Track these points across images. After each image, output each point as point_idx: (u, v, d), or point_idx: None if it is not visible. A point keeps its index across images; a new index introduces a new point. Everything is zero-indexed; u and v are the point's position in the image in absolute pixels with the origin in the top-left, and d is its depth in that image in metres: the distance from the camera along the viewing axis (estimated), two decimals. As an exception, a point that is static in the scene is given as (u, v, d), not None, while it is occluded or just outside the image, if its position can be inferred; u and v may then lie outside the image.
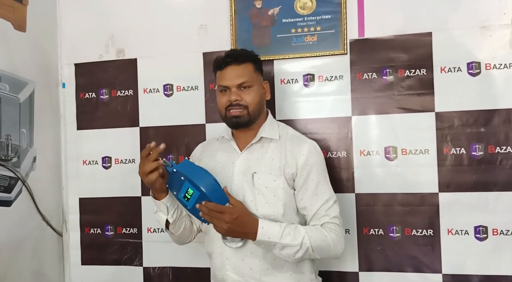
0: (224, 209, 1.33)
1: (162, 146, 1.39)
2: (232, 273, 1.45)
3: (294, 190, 1.47)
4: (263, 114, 1.56)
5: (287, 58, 1.91)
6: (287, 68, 1.92)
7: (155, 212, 1.51)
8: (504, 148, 1.74)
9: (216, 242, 1.49)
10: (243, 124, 1.49)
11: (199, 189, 1.33)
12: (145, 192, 2.02)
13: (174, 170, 1.37)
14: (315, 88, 1.90)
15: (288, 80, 1.92)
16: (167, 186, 1.47)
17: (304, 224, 1.48)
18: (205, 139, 1.97)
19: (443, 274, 1.77)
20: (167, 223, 1.50)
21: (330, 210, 1.45)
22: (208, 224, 1.41)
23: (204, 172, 1.37)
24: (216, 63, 1.54)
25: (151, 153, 1.40)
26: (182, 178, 1.36)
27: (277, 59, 1.91)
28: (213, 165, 1.54)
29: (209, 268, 1.97)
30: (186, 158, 1.43)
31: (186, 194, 1.37)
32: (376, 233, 1.83)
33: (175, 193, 1.41)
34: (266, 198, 1.44)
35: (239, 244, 1.43)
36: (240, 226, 1.34)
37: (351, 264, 1.85)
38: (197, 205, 1.34)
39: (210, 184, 1.35)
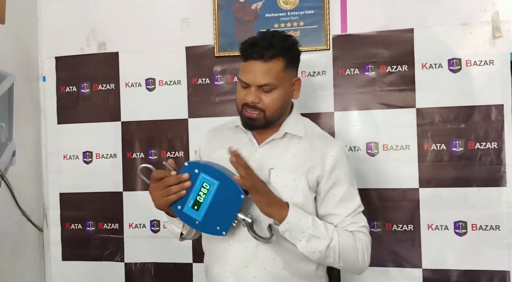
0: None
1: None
2: (233, 281, 1.26)
3: (316, 194, 1.31)
4: (287, 111, 1.37)
5: (270, 53, 1.90)
6: (270, 63, 1.91)
7: (166, 222, 1.35)
8: (484, 144, 1.75)
9: (217, 244, 1.31)
10: (258, 128, 1.31)
11: (220, 175, 1.18)
12: (126, 187, 2.01)
13: (186, 164, 1.20)
14: (298, 83, 1.89)
15: (271, 75, 1.91)
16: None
17: None
18: (187, 135, 1.96)
19: (423, 269, 1.79)
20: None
21: (358, 216, 1.29)
22: (225, 234, 1.20)
23: (215, 163, 1.25)
24: (241, 50, 1.29)
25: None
26: (196, 170, 1.19)
27: (260, 54, 1.91)
28: (222, 155, 1.30)
29: (191, 264, 1.98)
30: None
31: (199, 197, 1.19)
32: (357, 228, 1.84)
33: (179, 207, 1.20)
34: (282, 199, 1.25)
35: (269, 237, 1.20)
36: (271, 192, 1.21)
37: (332, 259, 1.86)
38: (235, 177, 1.15)
39: (227, 169, 1.22)
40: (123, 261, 2.02)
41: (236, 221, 1.19)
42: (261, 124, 1.29)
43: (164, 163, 1.21)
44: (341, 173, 1.30)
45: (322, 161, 1.29)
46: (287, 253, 1.25)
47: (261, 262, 1.25)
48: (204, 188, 1.19)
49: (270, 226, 1.21)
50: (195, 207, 1.19)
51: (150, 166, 1.25)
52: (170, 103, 1.98)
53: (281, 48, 1.25)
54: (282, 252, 1.26)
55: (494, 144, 1.74)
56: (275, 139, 1.33)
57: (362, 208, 1.32)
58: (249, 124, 1.30)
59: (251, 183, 1.15)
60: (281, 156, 1.31)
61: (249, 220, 1.19)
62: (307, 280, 1.30)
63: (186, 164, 1.21)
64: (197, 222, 1.20)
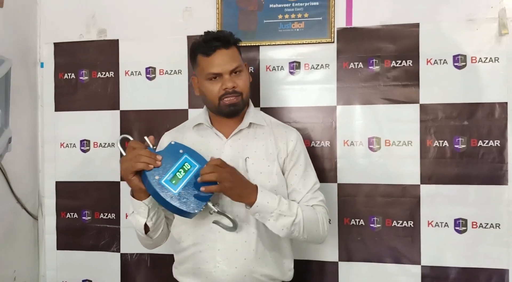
0: (226, 164, 1.28)
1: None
2: (224, 265, 1.35)
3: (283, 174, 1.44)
4: None
5: (273, 44, 1.88)
6: (273, 55, 1.89)
7: (131, 213, 1.35)
8: (487, 141, 1.74)
9: (204, 233, 1.38)
10: (239, 112, 1.44)
11: (202, 161, 1.28)
12: (124, 177, 1.98)
13: (173, 143, 1.29)
14: (301, 76, 1.87)
15: (274, 67, 1.89)
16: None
17: None
18: (187, 125, 1.94)
19: (422, 266, 1.78)
20: (146, 227, 1.35)
21: (316, 193, 1.45)
22: (197, 212, 1.24)
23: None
24: (199, 48, 1.41)
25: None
26: (181, 150, 1.29)
27: (263, 45, 1.88)
28: None
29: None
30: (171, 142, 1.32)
31: (178, 173, 1.24)
32: (357, 224, 1.83)
33: (157, 177, 1.23)
34: (261, 184, 1.34)
35: (231, 226, 1.32)
36: (242, 181, 1.30)
37: (331, 254, 1.85)
38: (200, 178, 1.24)
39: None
40: (119, 252, 2.00)
41: (204, 207, 1.26)
42: (241, 108, 1.42)
43: (145, 137, 1.27)
44: (300, 155, 1.46)
45: (286, 145, 1.45)
46: (269, 234, 1.38)
47: (249, 244, 1.37)
48: (185, 167, 1.27)
49: (232, 220, 1.31)
50: (173, 182, 1.24)
51: (129, 136, 1.31)
52: (170, 93, 1.96)
53: (232, 37, 1.43)
54: (265, 234, 1.38)
55: (497, 142, 1.73)
56: (242, 130, 1.45)
57: (319, 185, 1.48)
58: (233, 111, 1.41)
59: (220, 179, 1.24)
60: (251, 146, 1.43)
61: (215, 210, 1.28)
62: (281, 252, 1.45)
63: (172, 142, 1.30)
64: (171, 195, 1.23)
